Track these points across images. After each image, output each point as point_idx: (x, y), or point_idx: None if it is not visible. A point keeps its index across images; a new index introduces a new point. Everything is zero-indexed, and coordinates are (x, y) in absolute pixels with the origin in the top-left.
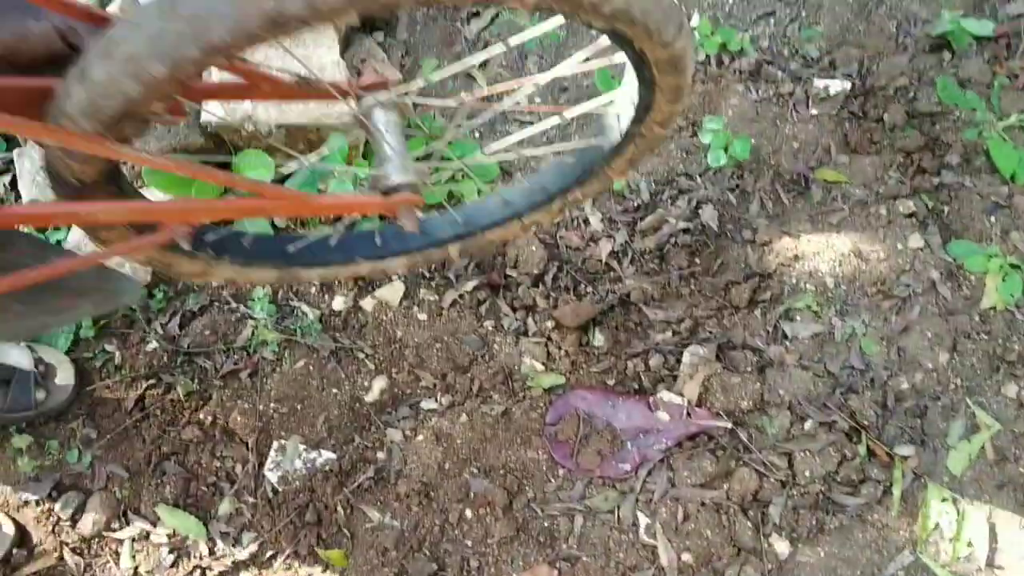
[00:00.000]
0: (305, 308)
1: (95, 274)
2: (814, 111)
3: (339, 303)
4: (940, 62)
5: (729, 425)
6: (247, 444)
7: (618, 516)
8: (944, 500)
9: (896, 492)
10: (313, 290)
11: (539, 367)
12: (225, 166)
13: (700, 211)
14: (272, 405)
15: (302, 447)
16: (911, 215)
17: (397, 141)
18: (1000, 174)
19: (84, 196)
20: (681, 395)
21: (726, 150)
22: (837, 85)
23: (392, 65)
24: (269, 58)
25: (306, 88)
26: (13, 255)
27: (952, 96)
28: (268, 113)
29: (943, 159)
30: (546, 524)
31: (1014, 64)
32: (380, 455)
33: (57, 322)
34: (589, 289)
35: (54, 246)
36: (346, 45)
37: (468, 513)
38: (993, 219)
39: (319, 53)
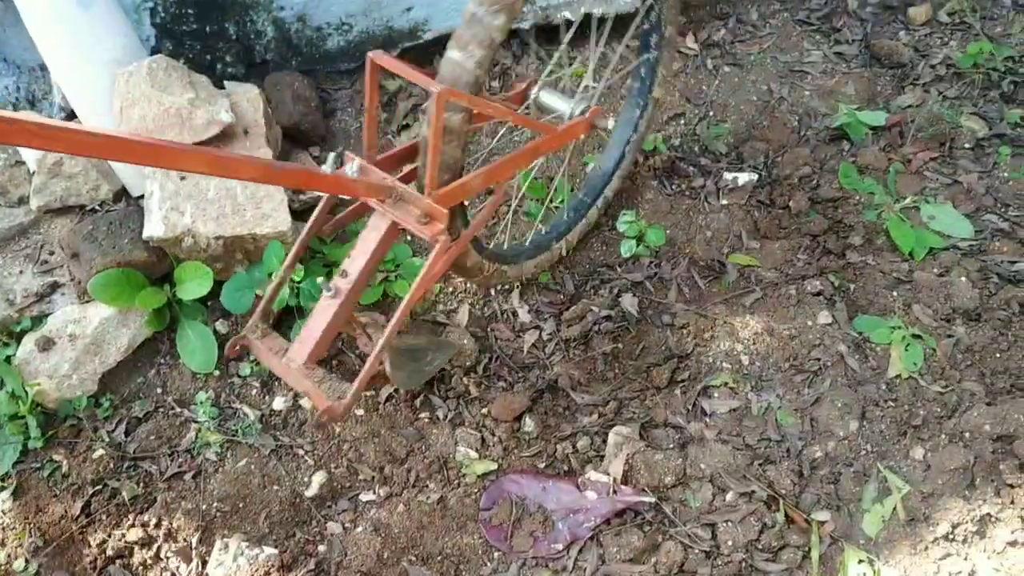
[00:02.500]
0: (247, 409)
1: (432, 343)
2: (724, 201)
3: (279, 403)
4: (839, 151)
5: (653, 500)
6: (191, 544)
7: None
8: (861, 561)
9: (815, 556)
10: (254, 392)
11: (473, 455)
12: (166, 278)
13: (620, 299)
14: (215, 504)
15: (244, 544)
16: (819, 293)
17: (560, 97)
18: (900, 251)
19: None
20: (607, 474)
21: (640, 241)
22: (745, 177)
23: None
24: None
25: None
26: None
27: (852, 182)
28: (207, 227)
29: (847, 240)
30: None
31: (907, 150)
32: (321, 548)
33: (431, 371)
34: (520, 376)
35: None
36: (282, 159)
37: None
38: (895, 294)
39: (268, 207)
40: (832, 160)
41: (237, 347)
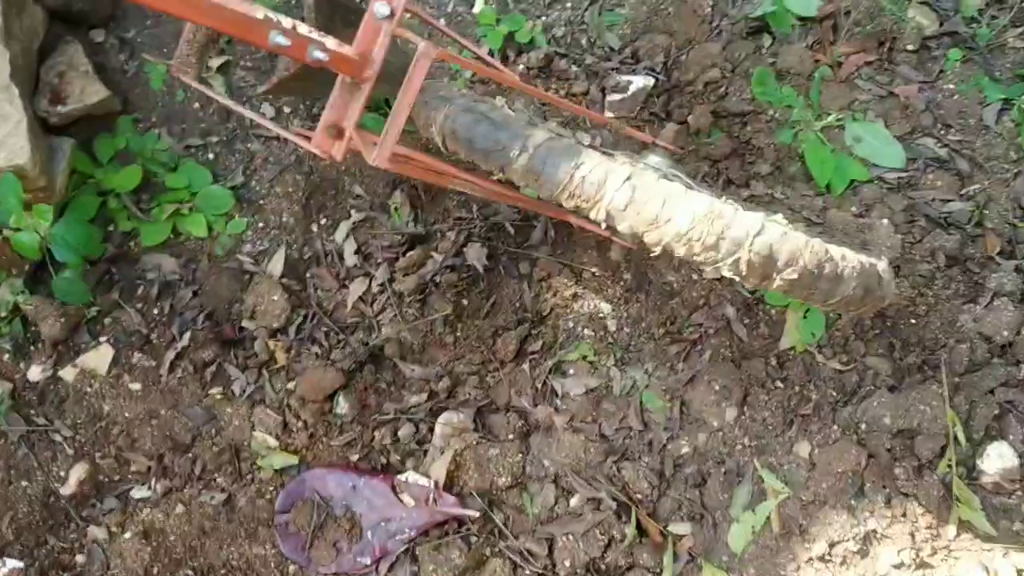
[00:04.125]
0: None
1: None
2: (610, 114)
3: (35, 373)
4: (758, 49)
5: (476, 515)
6: None
7: None
8: None
9: None
10: (5, 357)
11: (272, 442)
12: None
13: (467, 247)
14: None
15: None
16: None
17: None
18: (815, 183)
19: None
20: (428, 476)
21: None
22: (639, 82)
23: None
24: None
25: None
26: None
27: (767, 91)
28: None
29: (752, 167)
30: None
31: (838, 50)
32: (79, 559)
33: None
34: (339, 340)
35: None
36: (43, 56)
37: None
38: None
39: (2, 131)
40: (747, 61)
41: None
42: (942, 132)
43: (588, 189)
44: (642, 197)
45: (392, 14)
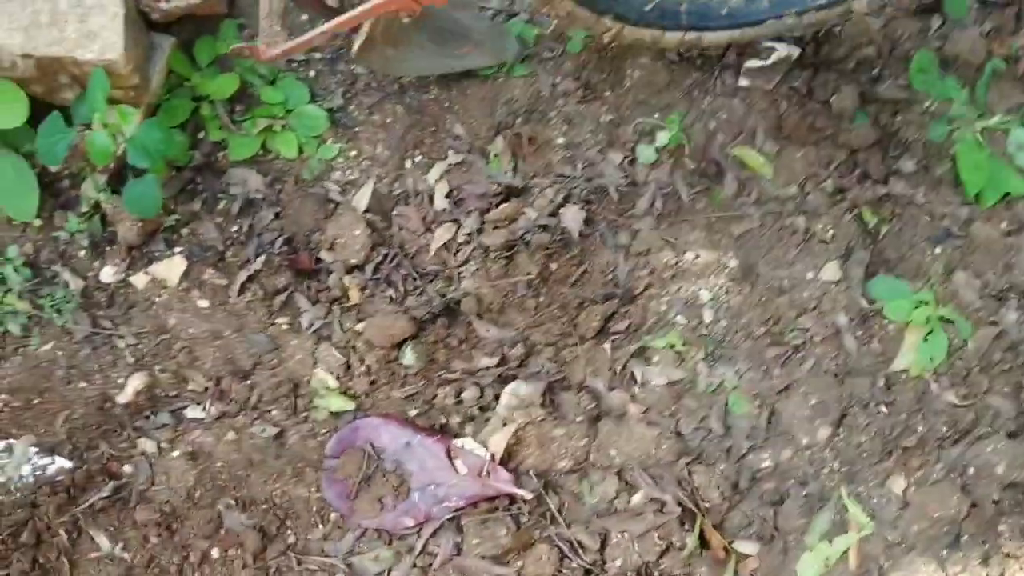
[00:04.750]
0: (68, 276)
1: (490, 30)
2: (745, 82)
3: (108, 274)
4: (924, 30)
5: (530, 495)
6: None
7: None
8: None
9: None
10: (81, 254)
11: (332, 383)
12: None
13: (565, 208)
14: (3, 396)
15: (33, 450)
16: (833, 235)
17: None
18: (964, 190)
19: None
20: (485, 446)
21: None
22: (782, 50)
23: None
24: None
25: None
26: None
27: (927, 80)
28: (12, 39)
29: (896, 162)
30: None
31: (1018, 43)
32: (127, 468)
33: (457, 66)
34: (416, 286)
35: None
36: None
37: (214, 553)
38: (939, 250)
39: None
40: (909, 42)
41: None
42: None
43: None
44: None
45: None
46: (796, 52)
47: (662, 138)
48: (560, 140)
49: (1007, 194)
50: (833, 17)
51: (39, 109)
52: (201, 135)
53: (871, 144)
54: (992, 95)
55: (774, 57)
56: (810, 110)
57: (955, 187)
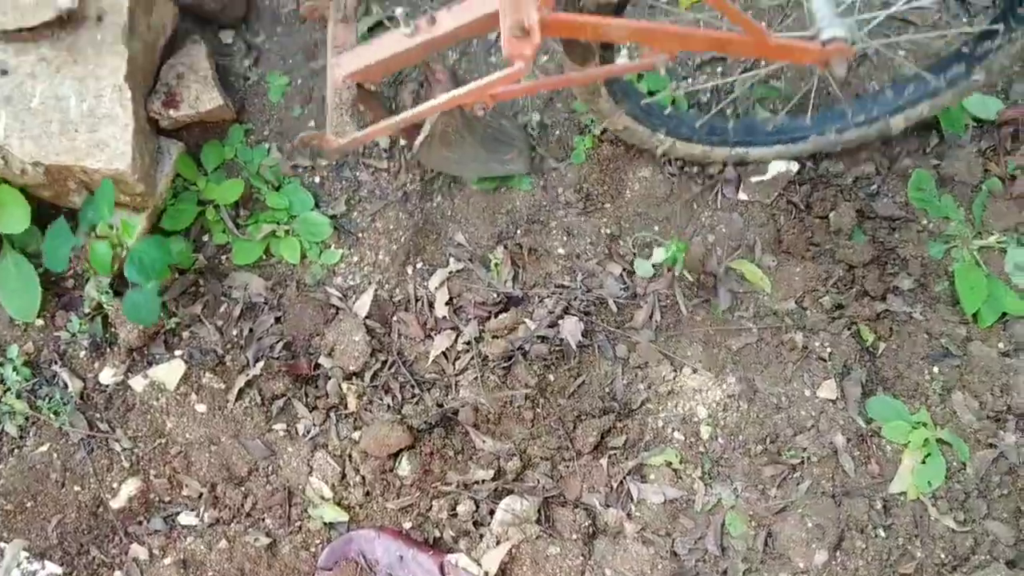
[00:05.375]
0: (67, 376)
1: (524, 140)
2: (744, 196)
3: (107, 376)
4: (921, 148)
5: None
6: None
7: None
8: None
9: None
10: (82, 354)
11: (327, 492)
12: None
13: (564, 319)
14: None
15: (24, 555)
16: (831, 353)
17: (827, 3)
18: (962, 309)
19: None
20: (479, 564)
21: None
22: (780, 165)
23: (227, 83)
24: None
25: None
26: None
27: (924, 197)
28: (24, 146)
29: (894, 279)
30: None
31: (1014, 162)
32: (117, 575)
33: (500, 170)
34: (414, 394)
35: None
36: (167, 54)
37: None
38: (936, 370)
39: (99, 75)
40: (908, 159)
41: (316, 11)
42: None
43: None
44: None
45: None
46: (795, 167)
47: (659, 254)
48: (560, 251)
49: (1004, 314)
50: (872, 135)
51: (46, 210)
52: (206, 238)
53: (869, 260)
54: (988, 214)
55: (773, 172)
56: (808, 225)
57: (953, 306)
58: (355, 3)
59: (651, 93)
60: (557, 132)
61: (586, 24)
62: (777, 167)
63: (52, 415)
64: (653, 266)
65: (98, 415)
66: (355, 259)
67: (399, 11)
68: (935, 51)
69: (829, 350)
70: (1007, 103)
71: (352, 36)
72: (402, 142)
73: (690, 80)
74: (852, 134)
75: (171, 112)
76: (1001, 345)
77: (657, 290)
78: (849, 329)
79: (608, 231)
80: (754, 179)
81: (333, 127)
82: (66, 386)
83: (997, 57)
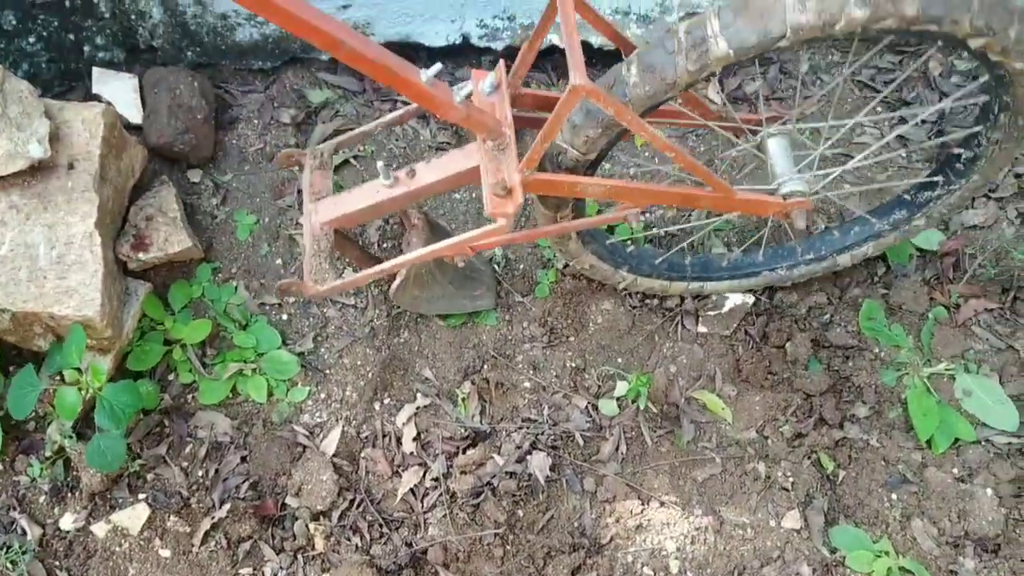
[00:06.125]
0: (25, 523)
1: (491, 275)
2: (703, 328)
3: (68, 521)
4: (870, 278)
5: None
6: None
7: None
8: None
9: None
10: (41, 499)
11: None
12: None
13: (531, 455)
14: None
15: None
16: (793, 482)
17: (787, 160)
18: (915, 435)
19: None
20: None
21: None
22: (735, 298)
23: (195, 221)
24: None
25: (722, 116)
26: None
27: (875, 327)
28: None
29: (850, 408)
30: None
31: (957, 291)
32: None
33: (471, 306)
34: (383, 533)
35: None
36: (135, 194)
37: None
38: (895, 497)
39: (70, 221)
40: (857, 289)
41: (293, 159)
42: None
43: None
44: None
45: (498, 85)
46: (751, 300)
47: (621, 388)
48: (527, 384)
49: (957, 439)
50: (820, 271)
51: (7, 350)
52: (172, 377)
53: (826, 389)
54: (936, 342)
55: (729, 305)
56: (766, 355)
57: (908, 432)
58: (331, 151)
59: (610, 230)
60: (521, 267)
61: (564, 183)
62: (734, 300)
63: (9, 564)
64: (618, 402)
65: (58, 563)
66: (322, 396)
67: (379, 163)
68: (882, 197)
69: (791, 479)
70: (948, 235)
71: (328, 183)
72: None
73: (655, 228)
74: (802, 270)
75: (140, 255)
76: (956, 471)
77: (622, 422)
78: (809, 458)
79: (573, 364)
80: (712, 312)
81: (311, 274)
82: (25, 533)
83: (936, 205)
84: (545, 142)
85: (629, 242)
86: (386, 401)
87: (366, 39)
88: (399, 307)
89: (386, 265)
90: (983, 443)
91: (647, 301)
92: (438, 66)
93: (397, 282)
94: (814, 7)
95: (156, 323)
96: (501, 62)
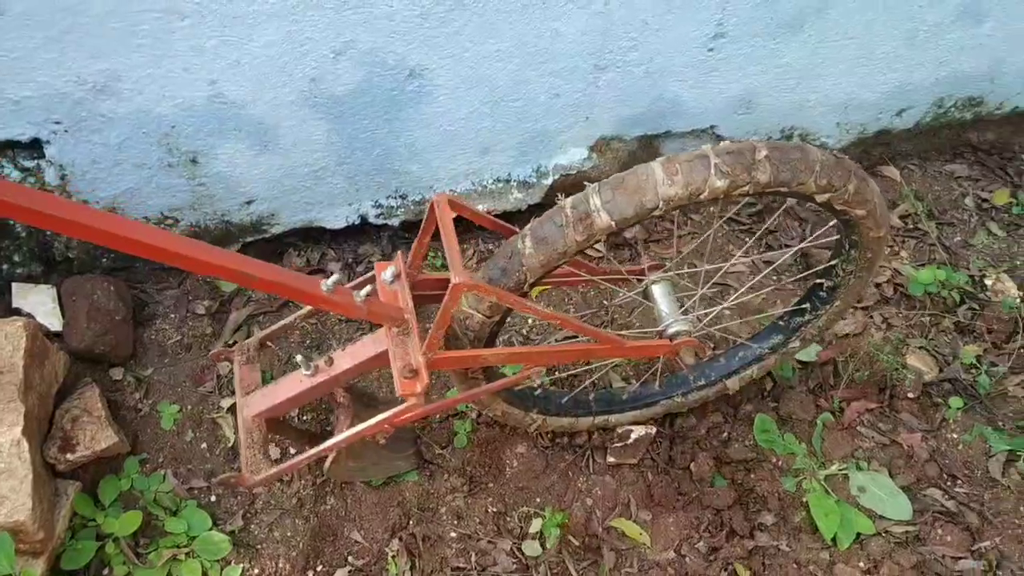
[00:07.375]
0: None
1: (412, 432)
2: (612, 459)
3: None
4: (760, 394)
5: None
6: None
7: None
8: None
9: None
10: None
11: None
12: None
13: None
14: None
15: None
16: None
17: (670, 303)
18: (821, 535)
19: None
20: None
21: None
22: (639, 431)
23: (120, 417)
24: None
25: (610, 271)
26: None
27: (769, 439)
28: None
29: (757, 517)
30: None
31: (840, 395)
32: None
33: (404, 466)
34: None
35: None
36: (61, 397)
37: None
38: None
39: (6, 485)
40: (750, 405)
41: (222, 356)
42: (948, 483)
43: None
44: None
45: (398, 275)
46: (653, 430)
47: (536, 525)
48: (452, 534)
49: (859, 534)
50: (712, 395)
51: None
52: (106, 572)
53: (733, 503)
54: (827, 445)
55: (635, 436)
56: (674, 478)
57: (813, 533)
58: (257, 347)
59: None
60: (438, 418)
61: (467, 357)
62: (638, 431)
63: None
64: (539, 541)
65: None
66: (255, 572)
67: (299, 357)
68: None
69: None
70: (823, 346)
71: (257, 376)
72: (292, 450)
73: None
74: (696, 396)
75: (68, 456)
76: (862, 564)
77: (547, 559)
78: (726, 569)
79: (494, 509)
80: (619, 444)
81: (248, 465)
82: None
83: (807, 328)
84: (440, 329)
85: (538, 388)
86: (319, 568)
87: (267, 264)
88: (338, 482)
89: (314, 451)
90: (883, 534)
91: (558, 440)
92: (336, 276)
93: (330, 459)
94: (681, 180)
95: (87, 520)
96: (399, 253)
